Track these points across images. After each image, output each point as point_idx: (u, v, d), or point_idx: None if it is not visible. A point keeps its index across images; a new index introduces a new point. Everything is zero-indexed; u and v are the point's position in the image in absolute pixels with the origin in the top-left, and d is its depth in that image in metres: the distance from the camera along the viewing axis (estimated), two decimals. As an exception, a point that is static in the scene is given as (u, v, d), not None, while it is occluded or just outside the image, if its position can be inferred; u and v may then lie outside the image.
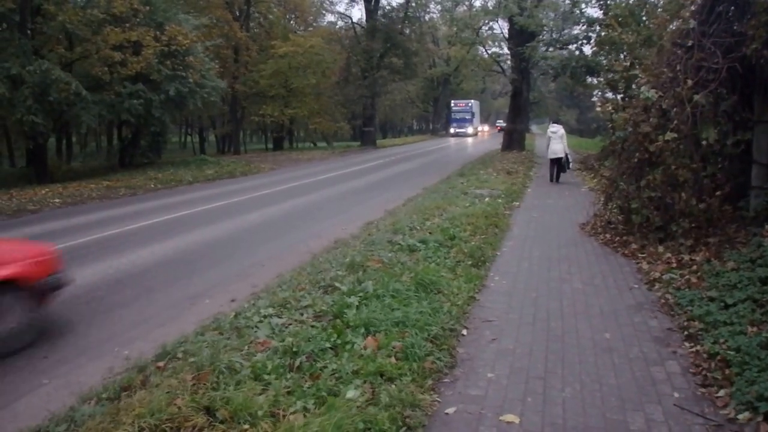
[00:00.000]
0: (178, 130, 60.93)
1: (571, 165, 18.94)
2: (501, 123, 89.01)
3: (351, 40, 53.45)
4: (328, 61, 46.09)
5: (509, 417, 3.89)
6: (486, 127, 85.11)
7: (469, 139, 72.25)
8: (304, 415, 3.73)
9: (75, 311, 7.01)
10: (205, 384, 4.10)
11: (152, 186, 21.39)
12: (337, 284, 6.47)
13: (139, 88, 24.77)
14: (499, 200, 13.17)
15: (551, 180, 18.23)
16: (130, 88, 24.64)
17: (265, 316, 5.57)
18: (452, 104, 71.25)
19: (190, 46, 27.09)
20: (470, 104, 70.53)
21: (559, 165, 18.02)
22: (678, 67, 8.37)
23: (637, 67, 13.79)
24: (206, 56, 29.25)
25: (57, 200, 17.69)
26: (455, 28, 36.63)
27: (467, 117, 69.37)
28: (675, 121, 8.19)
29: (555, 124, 18.57)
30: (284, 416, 3.72)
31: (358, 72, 51.80)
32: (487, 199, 13.31)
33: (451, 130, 69.08)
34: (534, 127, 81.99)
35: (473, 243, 8.72)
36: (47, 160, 26.90)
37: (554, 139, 17.67)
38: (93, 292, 7.80)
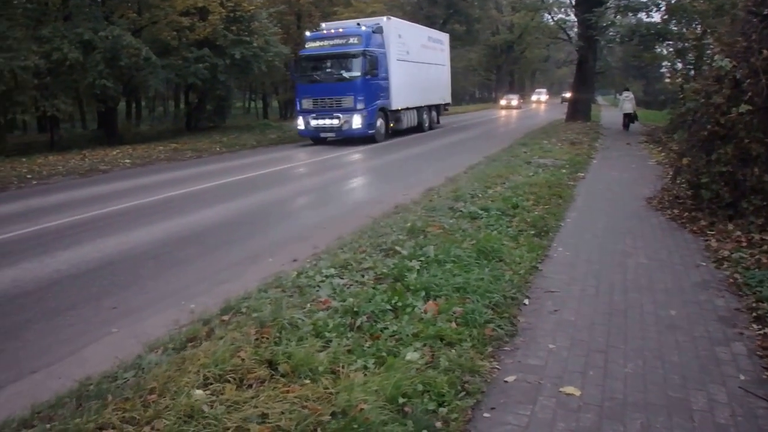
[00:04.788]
0: (242, 96, 61.56)
1: (638, 119, 27.11)
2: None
3: (413, 6, 52.83)
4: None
5: (569, 389, 3.83)
6: (515, 100, 57.99)
7: (543, 106, 61.97)
8: (364, 374, 3.77)
9: (142, 266, 7.26)
10: (267, 338, 4.18)
11: (217, 149, 21.82)
12: (397, 248, 6.45)
13: (205, 53, 25.21)
14: (563, 170, 12.90)
15: (624, 128, 25.94)
16: (196, 53, 25.12)
17: (326, 276, 5.63)
18: (306, 37, 23.90)
19: (255, 12, 27.38)
20: (365, 33, 22.29)
21: (629, 118, 25.97)
22: (753, 37, 7.98)
23: (709, 36, 13.24)
24: (270, 22, 29.44)
25: (127, 161, 18.26)
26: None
27: (347, 74, 21.89)
28: (749, 93, 7.81)
29: (626, 92, 27.72)
30: (344, 373, 3.76)
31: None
32: (551, 168, 13.07)
33: (300, 124, 22.98)
34: (599, 98, 74.99)
35: (536, 213, 8.58)
36: (117, 123, 27.76)
37: (626, 101, 26.32)
38: (160, 248, 8.04)
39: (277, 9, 32.65)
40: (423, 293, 5.09)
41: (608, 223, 8.54)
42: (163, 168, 17.00)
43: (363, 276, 5.68)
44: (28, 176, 15.37)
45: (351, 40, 22.14)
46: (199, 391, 3.52)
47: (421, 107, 27.31)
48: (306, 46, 23.48)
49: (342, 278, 5.61)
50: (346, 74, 21.90)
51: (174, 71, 25.04)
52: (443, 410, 3.50)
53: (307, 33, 24.33)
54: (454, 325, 4.52)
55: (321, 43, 22.81)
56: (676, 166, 9.81)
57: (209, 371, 3.72)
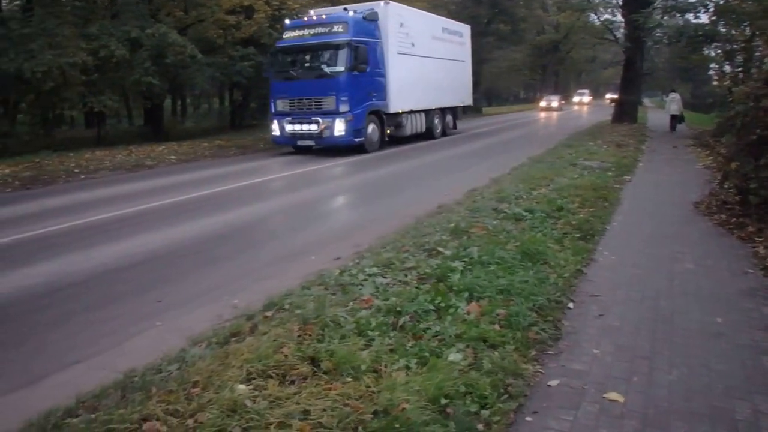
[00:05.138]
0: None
1: (684, 120, 27.78)
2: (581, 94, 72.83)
3: (457, 5, 52.49)
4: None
5: (613, 395, 3.76)
6: (555, 102, 55.49)
7: (585, 108, 60.62)
8: (406, 374, 3.75)
9: (186, 261, 7.38)
10: (310, 335, 4.19)
11: (261, 146, 22.02)
12: (440, 248, 6.40)
13: (250, 51, 25.44)
14: (609, 173, 12.69)
15: (671, 130, 26.53)
16: (241, 51, 25.37)
17: (369, 275, 5.62)
18: (284, 26, 20.55)
19: (300, 11, 27.48)
20: (352, 19, 18.54)
21: (675, 119, 26.86)
22: (803, 39, 7.75)
23: (759, 38, 12.89)
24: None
25: (173, 157, 18.56)
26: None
27: (328, 69, 18.26)
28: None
29: (673, 93, 28.43)
30: (387, 373, 3.75)
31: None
32: (596, 171, 12.87)
33: (275, 129, 19.45)
34: (646, 100, 71.45)
35: (581, 215, 8.45)
36: (163, 120, 28.20)
37: (673, 102, 27.09)
38: (203, 243, 8.16)
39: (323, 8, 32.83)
40: (466, 294, 5.03)
41: (655, 228, 8.38)
42: (207, 164, 17.23)
43: (406, 275, 5.64)
44: (76, 170, 15.71)
45: (335, 29, 18.41)
46: (242, 386, 3.55)
47: (430, 110, 23.17)
48: (284, 36, 19.90)
49: (385, 277, 5.59)
50: (327, 69, 18.22)
51: (219, 69, 25.33)
52: (485, 412, 3.46)
53: (287, 21, 20.57)
54: (497, 327, 4.47)
55: (300, 33, 19.16)
56: (724, 170, 9.57)
57: (252, 366, 3.74)
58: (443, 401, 3.47)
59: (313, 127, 18.14)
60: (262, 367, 3.73)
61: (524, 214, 8.14)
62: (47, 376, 4.38)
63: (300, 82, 18.59)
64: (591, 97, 73.37)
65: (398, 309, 4.67)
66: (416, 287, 5.26)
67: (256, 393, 3.50)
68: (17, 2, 23.01)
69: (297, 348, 3.97)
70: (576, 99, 70.12)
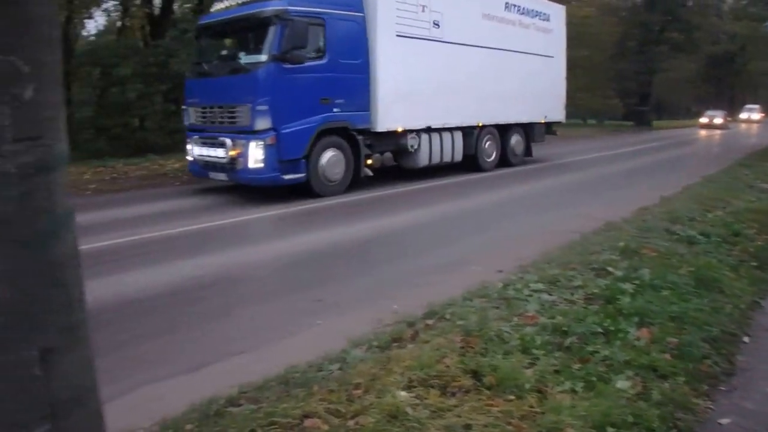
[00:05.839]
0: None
1: None
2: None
3: (628, 12, 50.44)
4: (602, 34, 43.47)
5: (786, 440, 3.44)
6: (719, 118, 48.56)
7: (755, 126, 54.89)
8: (572, 397, 3.62)
9: (345, 262, 7.64)
10: (473, 348, 4.14)
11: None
12: (609, 268, 6.13)
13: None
14: (790, 198, 11.63)
15: None
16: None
17: (534, 291, 5.46)
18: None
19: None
20: None
21: None
22: None
23: None
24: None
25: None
26: (743, 0, 32.87)
27: (246, 59, 11.51)
28: None
29: None
30: (551, 394, 3.64)
31: (634, 46, 48.71)
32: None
33: (189, 151, 12.71)
34: None
35: (759, 242, 7.80)
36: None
37: None
38: (361, 246, 8.41)
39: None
40: (636, 319, 4.78)
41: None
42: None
43: (572, 294, 5.45)
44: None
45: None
46: (403, 393, 3.56)
47: (473, 128, 15.29)
48: (211, 9, 13.74)
49: (551, 294, 5.42)
50: (243, 59, 11.72)
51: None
52: (652, 445, 3.26)
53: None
54: (668, 356, 4.22)
55: (228, 4, 12.39)
56: None
57: (414, 374, 3.74)
58: (609, 430, 3.31)
59: (220, 152, 11.40)
60: (423, 376, 3.73)
61: (698, 237, 7.63)
62: (210, 364, 4.60)
63: (213, 80, 12.19)
64: (762, 114, 66.35)
65: (564, 329, 4.51)
66: (583, 307, 5.07)
67: (417, 401, 3.50)
68: (188, 5, 24.61)
69: (459, 360, 3.94)
70: (744, 115, 62.96)
